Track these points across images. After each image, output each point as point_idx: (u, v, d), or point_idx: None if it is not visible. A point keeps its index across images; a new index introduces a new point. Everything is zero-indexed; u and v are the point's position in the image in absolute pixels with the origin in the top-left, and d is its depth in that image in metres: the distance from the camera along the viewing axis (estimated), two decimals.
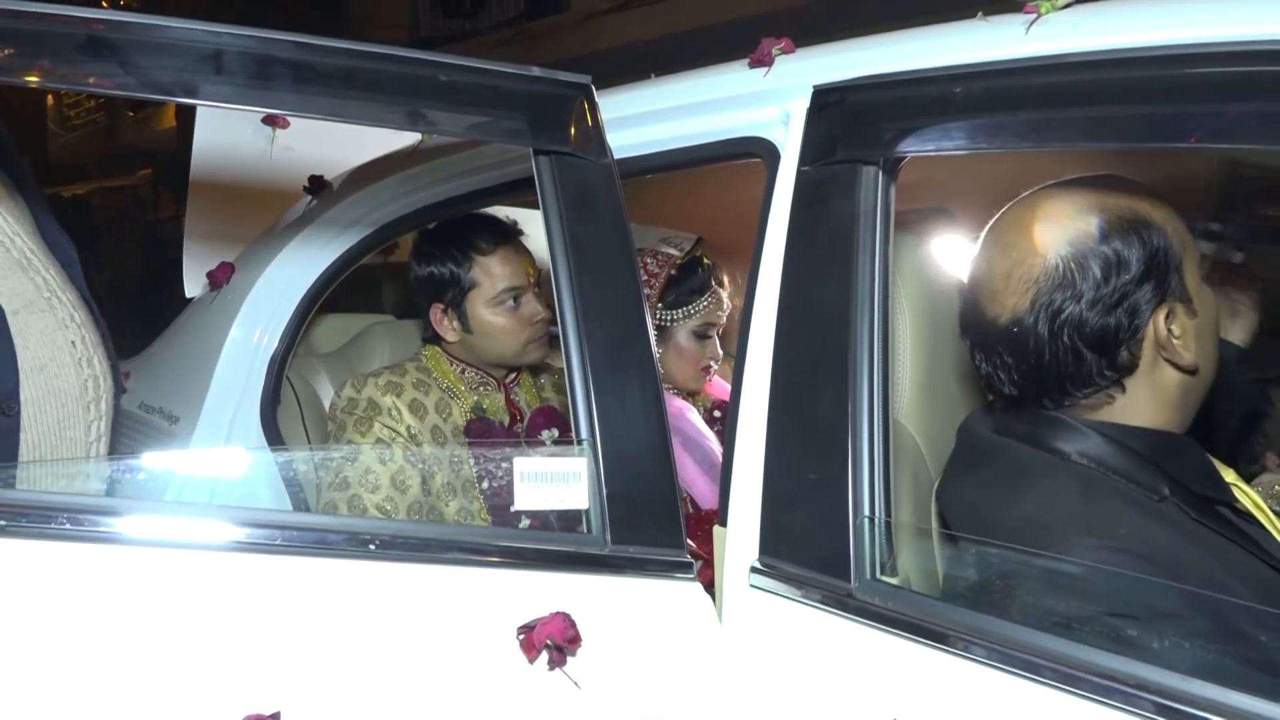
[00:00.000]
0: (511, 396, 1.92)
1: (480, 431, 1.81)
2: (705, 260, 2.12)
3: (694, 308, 2.05)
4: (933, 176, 1.83)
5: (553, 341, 1.97)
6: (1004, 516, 1.04)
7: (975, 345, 1.13)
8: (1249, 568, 0.98)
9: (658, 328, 2.04)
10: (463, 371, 1.88)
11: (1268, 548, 1.04)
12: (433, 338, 1.90)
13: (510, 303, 1.82)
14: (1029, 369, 1.07)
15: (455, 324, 1.83)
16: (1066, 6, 1.06)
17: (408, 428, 1.74)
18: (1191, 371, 1.05)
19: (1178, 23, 0.96)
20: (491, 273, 1.81)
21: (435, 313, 1.84)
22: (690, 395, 2.10)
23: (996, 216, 1.13)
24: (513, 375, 1.94)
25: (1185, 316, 1.04)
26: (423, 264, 1.84)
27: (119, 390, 1.30)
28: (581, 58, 8.58)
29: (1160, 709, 0.80)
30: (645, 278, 2.04)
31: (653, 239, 2.63)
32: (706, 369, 2.09)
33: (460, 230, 1.84)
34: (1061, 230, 1.05)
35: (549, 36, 9.47)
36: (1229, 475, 1.11)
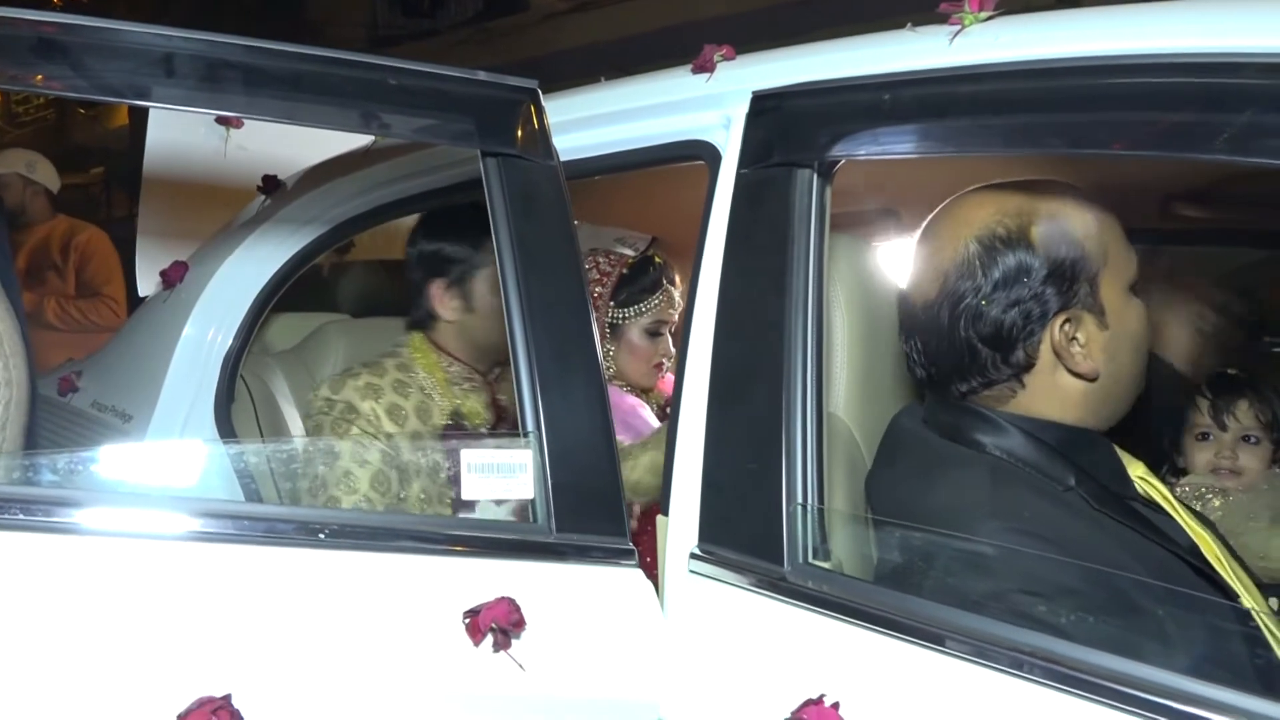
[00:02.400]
0: (497, 396, 1.90)
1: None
2: (657, 259, 2.17)
3: (645, 306, 2.09)
4: (882, 178, 1.89)
5: None
6: (919, 506, 1.10)
7: (901, 325, 1.20)
8: (1147, 551, 1.03)
9: (610, 326, 2.08)
10: (449, 365, 1.84)
11: (1173, 535, 1.10)
12: (421, 322, 1.86)
13: None
14: (932, 353, 1.14)
15: (456, 302, 1.81)
16: (989, 19, 1.11)
17: (386, 435, 1.71)
18: (1091, 379, 1.09)
19: (1092, 35, 1.02)
20: None
21: (435, 289, 1.81)
22: (644, 392, 2.14)
23: (938, 209, 1.19)
24: (497, 372, 1.92)
25: (1094, 327, 1.08)
26: (431, 240, 1.82)
27: (32, 400, 1.32)
28: (541, 58, 8.60)
29: (1065, 679, 0.85)
30: (598, 276, 2.08)
31: (608, 239, 2.66)
32: (659, 366, 2.14)
33: (477, 211, 1.82)
34: (978, 228, 1.10)
35: (508, 36, 9.47)
36: (1138, 469, 1.17)
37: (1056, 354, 1.08)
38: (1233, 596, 1.08)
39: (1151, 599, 0.94)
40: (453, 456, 1.70)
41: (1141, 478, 1.16)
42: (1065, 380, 1.10)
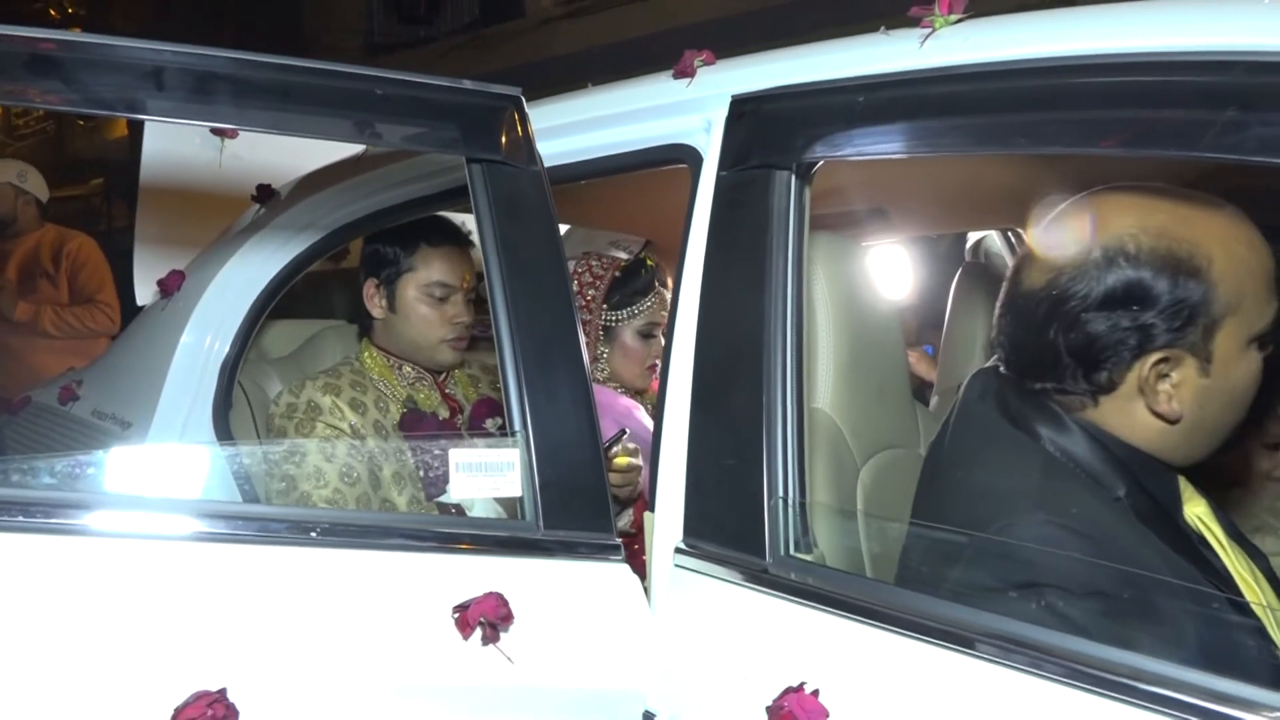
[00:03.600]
0: (447, 390, 1.99)
1: (413, 423, 1.87)
2: (649, 262, 2.19)
3: (638, 308, 2.12)
4: (876, 177, 1.92)
5: (473, 345, 2.05)
6: (962, 482, 1.09)
7: (1001, 300, 1.13)
8: (1186, 574, 0.99)
9: (604, 328, 2.11)
10: (399, 367, 1.95)
11: (1216, 566, 1.05)
12: (364, 324, 1.99)
13: (437, 295, 1.90)
14: (1018, 342, 1.09)
15: (383, 302, 1.92)
16: (959, 22, 1.14)
17: (350, 425, 1.81)
18: (1171, 421, 1.03)
19: (1057, 36, 1.04)
20: (430, 263, 1.90)
21: (369, 287, 1.93)
22: (638, 394, 2.17)
23: (1084, 194, 1.10)
24: (443, 374, 2.01)
25: (1193, 372, 1.01)
26: (372, 241, 1.94)
27: None
28: (536, 63, 8.63)
29: (1047, 667, 0.87)
30: (590, 280, 2.11)
31: (602, 242, 2.69)
32: (653, 368, 2.16)
33: (419, 223, 1.93)
34: (1112, 234, 1.02)
35: (504, 42, 9.50)
36: (1199, 507, 1.11)
37: (1140, 388, 1.02)
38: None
39: (1175, 600, 0.91)
40: (413, 442, 1.79)
41: (1199, 517, 1.10)
42: (1142, 413, 1.04)
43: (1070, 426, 1.05)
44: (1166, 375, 1.01)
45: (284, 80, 1.18)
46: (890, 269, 2.73)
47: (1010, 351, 1.11)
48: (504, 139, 1.25)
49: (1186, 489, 1.11)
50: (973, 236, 2.70)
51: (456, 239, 1.96)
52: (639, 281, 2.14)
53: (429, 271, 1.90)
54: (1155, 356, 1.00)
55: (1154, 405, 1.02)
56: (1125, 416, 1.04)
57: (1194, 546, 1.05)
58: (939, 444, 1.17)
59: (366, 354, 1.96)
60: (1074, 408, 1.06)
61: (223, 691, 0.96)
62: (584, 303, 2.08)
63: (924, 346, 3.26)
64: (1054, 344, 1.04)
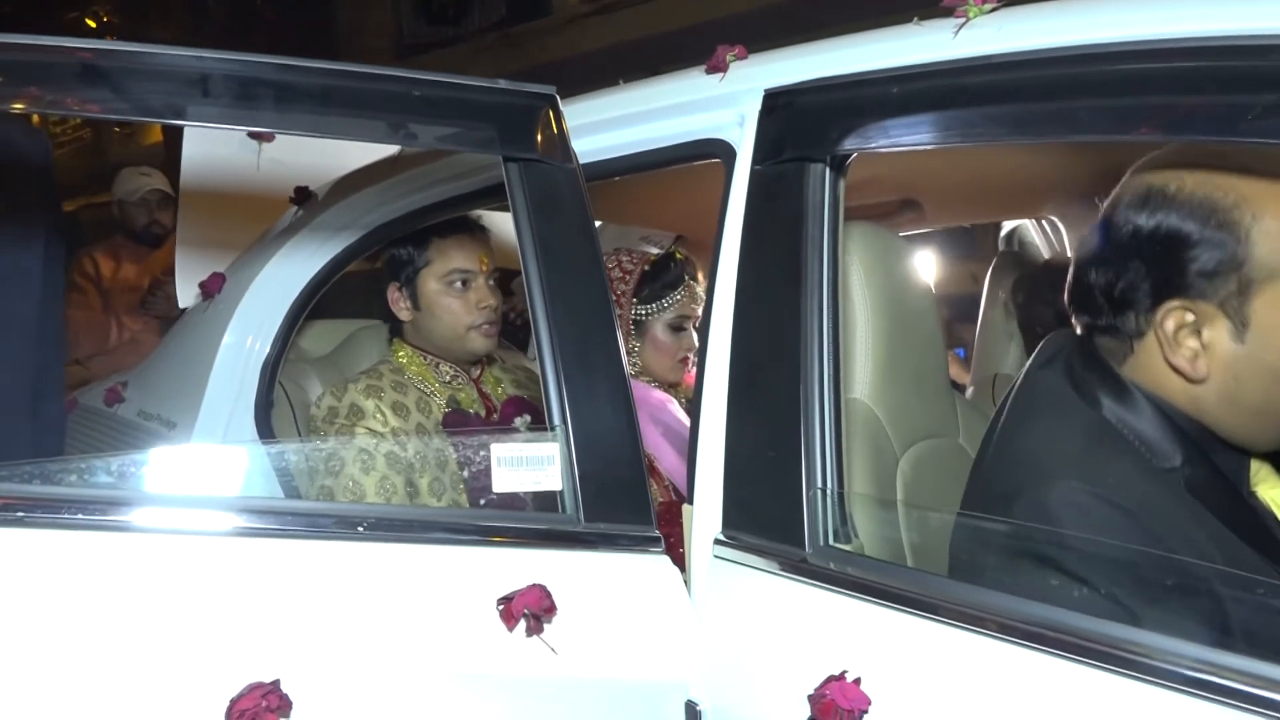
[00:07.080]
0: (484, 389, 2.01)
1: (457, 423, 1.89)
2: (678, 255, 2.20)
3: (668, 301, 2.13)
4: (908, 168, 1.91)
5: (501, 341, 2.07)
6: (1013, 443, 1.08)
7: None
8: (1238, 551, 0.95)
9: (635, 322, 2.12)
10: (436, 365, 1.97)
11: None
12: (395, 327, 2.01)
13: (459, 284, 1.92)
14: (1075, 276, 1.09)
15: (407, 302, 1.95)
16: (992, 11, 1.14)
17: (393, 430, 1.82)
18: (1194, 381, 1.00)
19: (1089, 24, 1.04)
20: (445, 253, 1.93)
21: (392, 291, 1.96)
22: (672, 387, 2.18)
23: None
24: (478, 370, 2.03)
25: (1225, 335, 0.97)
26: (387, 247, 1.97)
27: None
28: (565, 61, 8.66)
29: (1080, 650, 0.87)
30: (620, 275, 2.12)
31: (633, 238, 2.70)
32: (685, 361, 2.17)
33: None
34: (1162, 176, 1.00)
35: (532, 41, 9.53)
36: (1274, 490, 1.06)
37: (1161, 340, 1.00)
38: None
39: (1215, 585, 0.88)
40: (458, 440, 1.80)
41: (1273, 500, 1.05)
42: (1167, 369, 1.01)
43: (1133, 394, 1.03)
44: (1198, 331, 0.98)
45: (321, 84, 1.19)
46: (923, 254, 2.73)
47: (1072, 288, 1.10)
48: (540, 137, 1.26)
49: (1261, 469, 1.07)
50: (1006, 226, 2.68)
51: (466, 226, 1.98)
52: (668, 275, 2.15)
53: (445, 262, 1.92)
54: (1174, 303, 0.98)
55: (1171, 357, 0.99)
56: (1157, 370, 1.02)
57: (1261, 521, 1.01)
58: (1001, 408, 1.14)
59: (401, 352, 1.97)
60: (1119, 356, 1.05)
61: (276, 682, 0.98)
62: (615, 297, 2.09)
63: (954, 349, 3.21)
64: (1089, 280, 1.05)
